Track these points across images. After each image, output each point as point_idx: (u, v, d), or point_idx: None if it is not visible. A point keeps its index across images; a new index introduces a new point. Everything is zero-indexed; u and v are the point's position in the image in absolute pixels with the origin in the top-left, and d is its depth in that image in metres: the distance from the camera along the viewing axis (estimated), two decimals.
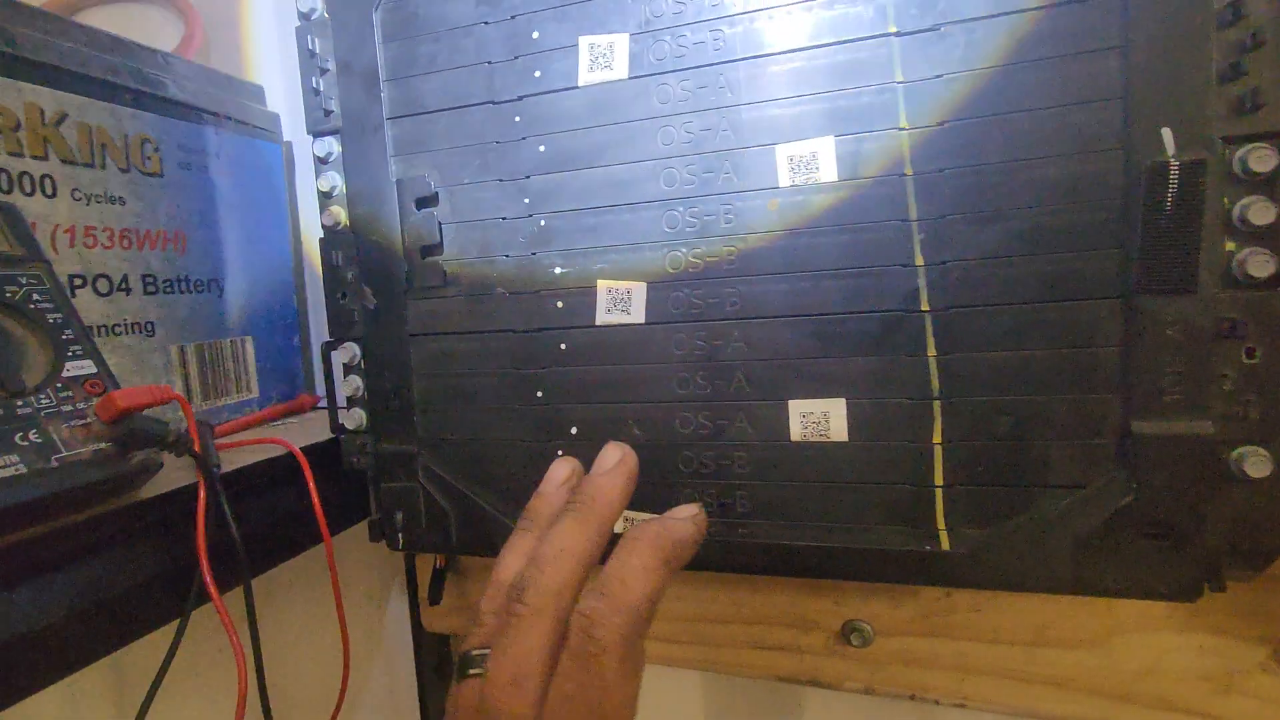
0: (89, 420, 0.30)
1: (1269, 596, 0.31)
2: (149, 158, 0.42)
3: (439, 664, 0.52)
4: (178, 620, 0.32)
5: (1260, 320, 0.24)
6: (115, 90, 0.40)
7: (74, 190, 0.37)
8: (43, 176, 0.36)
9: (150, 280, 0.41)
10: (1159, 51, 0.24)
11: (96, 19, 0.59)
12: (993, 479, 0.27)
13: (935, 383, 0.28)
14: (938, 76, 0.26)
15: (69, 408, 0.30)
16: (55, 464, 0.28)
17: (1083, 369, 0.26)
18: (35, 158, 0.36)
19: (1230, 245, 0.24)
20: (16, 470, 0.27)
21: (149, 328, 0.41)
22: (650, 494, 0.31)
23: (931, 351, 0.28)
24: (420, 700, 0.51)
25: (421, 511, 0.35)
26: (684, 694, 0.49)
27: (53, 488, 0.27)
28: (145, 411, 0.31)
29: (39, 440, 0.28)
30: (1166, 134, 0.24)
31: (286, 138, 0.51)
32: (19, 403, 0.28)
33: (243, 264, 0.48)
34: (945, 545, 0.28)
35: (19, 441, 0.27)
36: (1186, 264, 0.24)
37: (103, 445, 0.30)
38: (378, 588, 0.50)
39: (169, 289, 0.43)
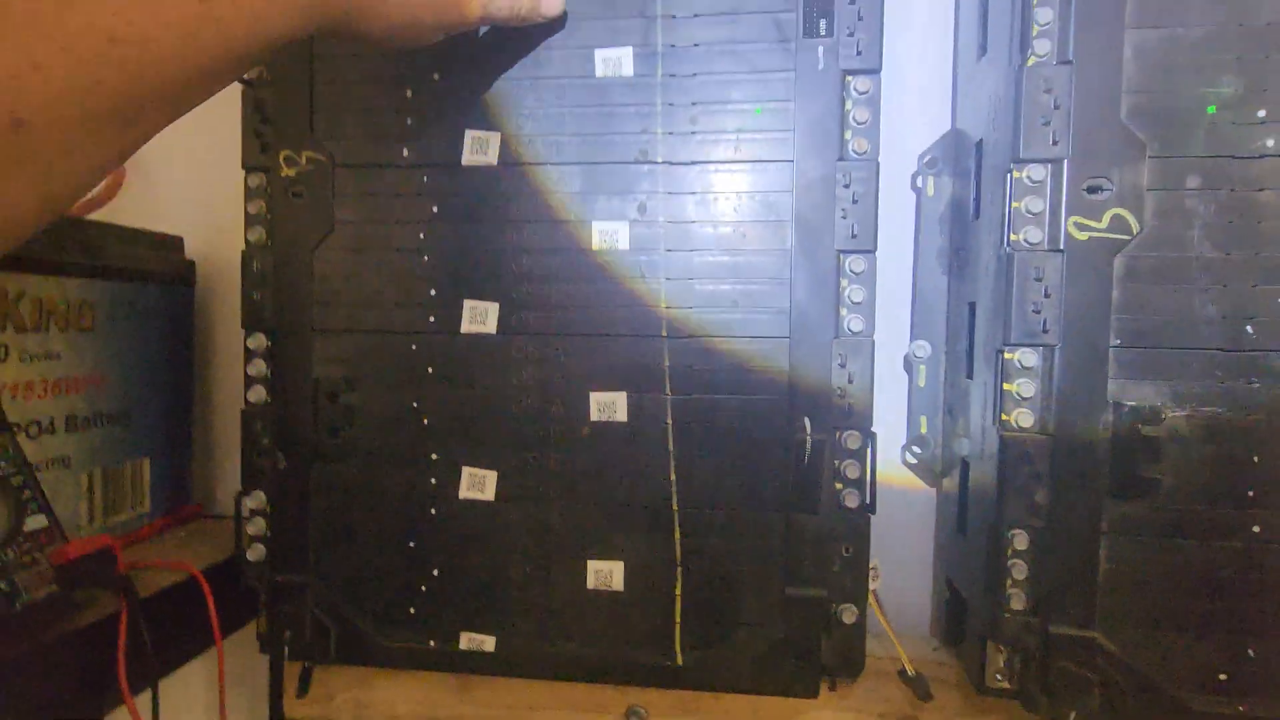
0: (43, 567, 0.38)
1: (881, 690, 0.50)
2: (85, 317, 0.50)
3: None
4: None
5: (855, 532, 0.42)
6: (64, 266, 0.48)
7: (22, 353, 0.45)
8: (1, 345, 0.44)
9: (72, 419, 0.49)
10: (806, 384, 0.42)
11: None
12: (709, 619, 0.43)
13: (679, 554, 0.43)
14: (687, 367, 0.43)
15: (28, 558, 0.38)
16: (18, 608, 0.36)
17: (762, 553, 0.43)
18: None
19: (838, 485, 0.42)
20: None
21: (66, 461, 0.48)
22: (485, 616, 0.44)
23: (677, 535, 0.43)
24: None
25: (307, 629, 0.46)
26: None
27: (16, 625, 0.35)
28: (87, 557, 0.40)
29: (5, 589, 0.36)
30: (806, 422, 0.42)
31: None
32: None
33: (151, 395, 0.56)
34: (680, 661, 0.44)
35: None
36: (813, 498, 0.42)
37: (53, 588, 0.38)
38: (252, 672, 0.58)
39: (87, 425, 0.50)
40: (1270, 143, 0.38)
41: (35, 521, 0.39)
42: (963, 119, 0.51)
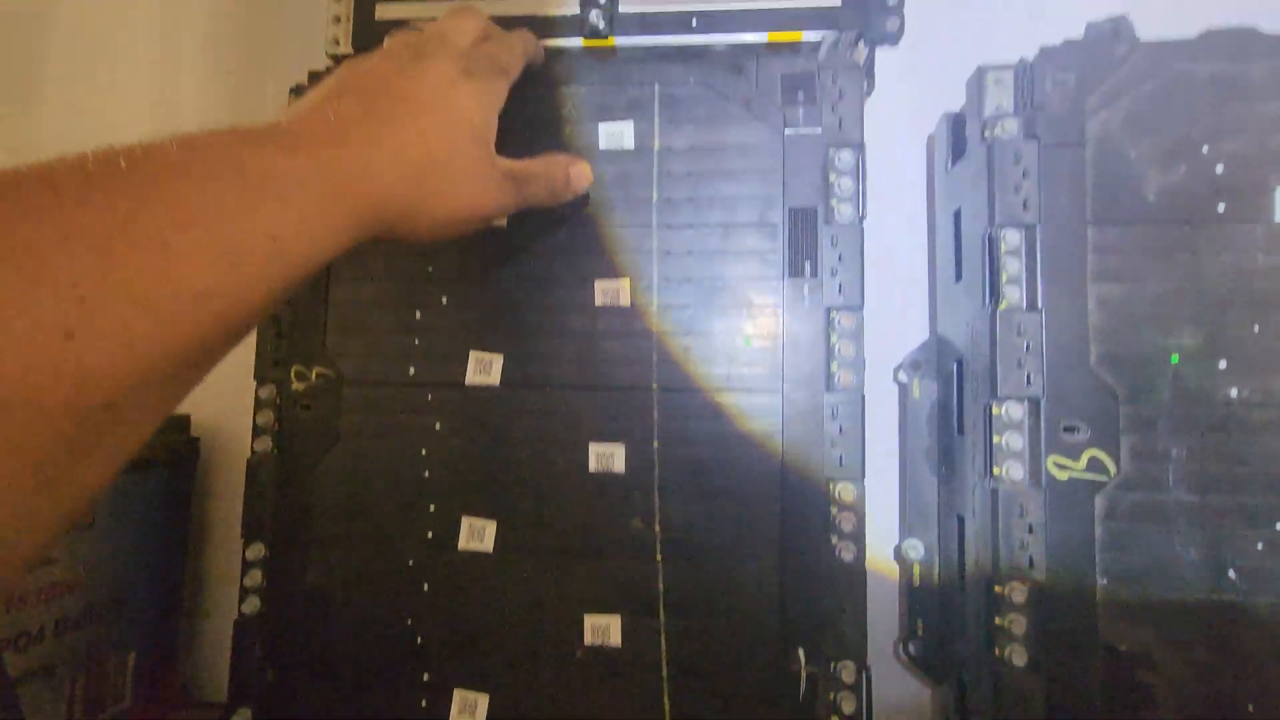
0: None
1: None
2: (87, 515, 0.50)
3: None
4: None
5: None
6: None
7: None
8: None
9: (62, 624, 0.49)
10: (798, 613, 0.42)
11: None
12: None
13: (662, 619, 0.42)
14: (678, 590, 0.43)
15: None
16: None
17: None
18: None
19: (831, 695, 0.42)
20: None
21: (51, 670, 0.48)
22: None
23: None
24: None
25: None
26: None
27: None
28: None
29: None
30: (801, 654, 0.42)
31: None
32: None
33: (143, 584, 0.55)
34: None
35: None
36: None
37: None
38: None
39: (76, 626, 0.50)
40: (1234, 393, 0.40)
41: None
42: (944, 327, 0.54)
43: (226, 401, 0.61)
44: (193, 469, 0.61)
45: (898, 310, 0.57)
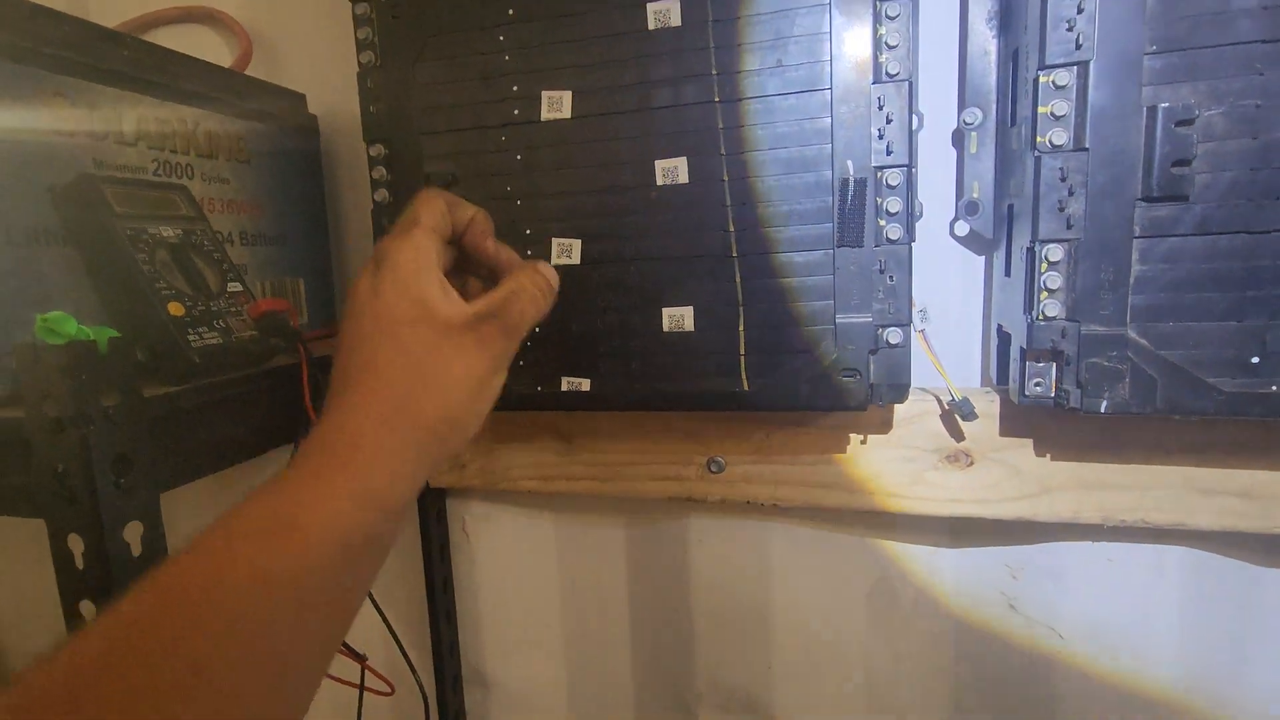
0: (244, 317, 0.50)
1: (931, 427, 0.55)
2: (241, 151, 0.60)
3: (438, 513, 0.73)
4: (291, 443, 0.52)
5: (897, 261, 0.47)
6: (224, 105, 0.58)
7: (202, 174, 0.56)
8: (186, 165, 0.55)
9: (244, 235, 0.61)
10: (846, 122, 0.46)
11: (168, 36, 0.76)
12: (770, 349, 0.50)
13: (740, 296, 0.50)
14: (739, 127, 0.48)
15: (233, 309, 0.49)
16: (234, 339, 0.48)
17: (814, 289, 0.49)
18: (183, 153, 0.55)
19: (881, 222, 0.47)
20: (216, 341, 0.47)
21: (245, 269, 0.61)
22: (580, 363, 0.53)
23: (738, 279, 0.50)
24: (422, 530, 0.72)
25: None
26: (609, 528, 0.71)
27: (236, 351, 0.47)
28: (273, 312, 0.51)
29: (223, 326, 0.48)
30: (849, 164, 0.47)
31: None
32: (211, 303, 0.48)
33: (297, 227, 0.67)
34: (746, 387, 0.51)
35: (215, 325, 0.47)
36: (859, 232, 0.47)
37: (253, 332, 0.50)
38: None
39: (254, 242, 0.62)
40: None
41: (234, 286, 0.51)
42: None
43: (337, 87, 0.69)
44: (315, 138, 0.70)
45: None
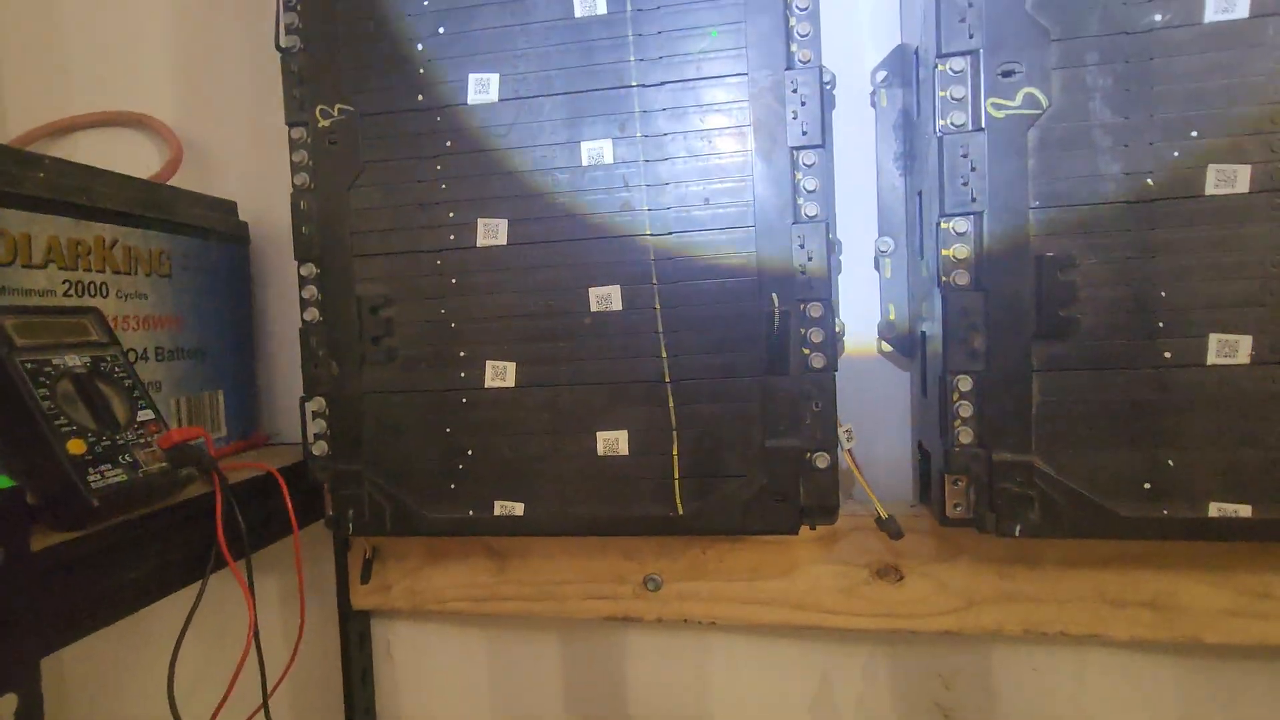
0: (153, 448, 0.47)
1: (862, 541, 0.56)
2: (163, 265, 0.59)
3: (360, 637, 0.69)
4: (200, 581, 0.49)
5: (822, 389, 0.49)
6: (147, 221, 0.57)
7: (118, 291, 0.54)
8: (101, 284, 0.53)
9: (160, 351, 0.58)
10: (770, 258, 0.49)
11: (94, 138, 0.74)
12: (703, 473, 0.51)
13: (674, 421, 0.51)
14: (669, 259, 0.50)
15: (142, 440, 0.47)
16: (141, 475, 0.45)
17: (743, 415, 0.50)
18: (98, 271, 0.52)
19: (805, 351, 0.49)
20: (120, 479, 0.44)
21: (159, 385, 0.58)
22: (513, 487, 0.52)
23: (671, 404, 0.51)
24: (343, 655, 0.68)
25: (366, 509, 0.54)
26: (543, 648, 0.68)
27: (143, 488, 0.44)
28: (186, 443, 0.48)
29: (129, 460, 0.45)
30: (774, 297, 0.49)
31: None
32: (117, 437, 0.45)
33: (220, 336, 0.65)
34: (680, 512, 0.51)
35: (120, 460, 0.44)
36: (782, 361, 0.49)
37: (163, 464, 0.47)
38: (317, 574, 0.67)
39: (172, 357, 0.59)
40: (1157, 17, 0.44)
41: (145, 414, 0.48)
42: (906, 34, 0.58)
43: (268, 193, 0.69)
44: (245, 246, 0.69)
45: (868, 29, 0.60)
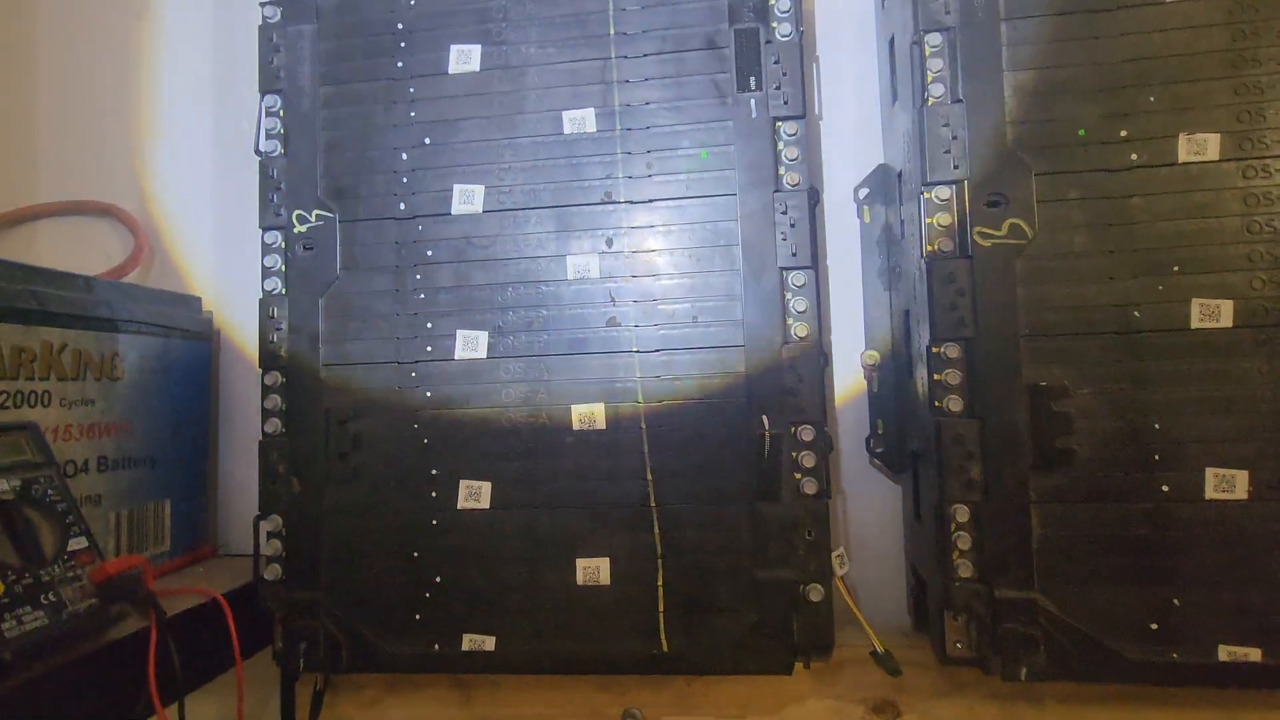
0: (84, 582, 0.42)
1: (857, 675, 0.53)
2: (115, 368, 0.55)
3: None
4: None
5: (815, 517, 0.47)
6: (99, 322, 0.54)
7: (61, 399, 0.50)
8: (44, 392, 0.49)
9: (103, 461, 0.54)
10: (760, 378, 0.48)
11: (54, 229, 0.71)
12: (690, 606, 0.47)
13: (659, 549, 0.48)
14: (656, 378, 0.49)
15: (71, 574, 0.42)
16: (65, 617, 0.40)
17: (732, 543, 0.47)
18: (42, 379, 0.49)
19: (797, 475, 0.47)
20: (39, 623, 0.39)
21: (97, 499, 0.53)
22: (484, 618, 0.48)
23: (656, 530, 0.48)
24: None
25: (320, 642, 0.49)
26: None
27: (64, 634, 0.39)
28: (121, 573, 0.44)
29: (54, 600, 0.40)
30: (764, 419, 0.47)
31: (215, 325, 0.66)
32: (41, 572, 0.40)
33: (173, 441, 0.60)
34: (665, 648, 0.47)
35: (42, 601, 0.40)
36: (773, 487, 0.47)
37: (93, 600, 0.42)
38: (262, 704, 0.61)
39: (115, 467, 0.55)
40: (1134, 157, 0.45)
41: (77, 543, 0.43)
42: (888, 155, 0.59)
43: (238, 290, 0.66)
44: (208, 344, 0.66)
45: (852, 147, 0.61)
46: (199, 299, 0.66)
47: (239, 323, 0.68)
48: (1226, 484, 0.43)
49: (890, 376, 0.58)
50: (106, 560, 0.43)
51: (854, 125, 0.62)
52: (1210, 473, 0.43)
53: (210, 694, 0.63)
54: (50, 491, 0.44)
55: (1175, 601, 0.43)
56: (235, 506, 0.68)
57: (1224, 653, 0.43)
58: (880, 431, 0.58)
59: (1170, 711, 0.50)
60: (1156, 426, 0.44)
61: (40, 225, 0.71)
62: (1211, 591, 0.43)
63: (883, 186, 0.59)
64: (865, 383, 0.59)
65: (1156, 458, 0.44)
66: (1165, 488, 0.44)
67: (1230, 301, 0.44)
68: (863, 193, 0.60)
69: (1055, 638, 0.44)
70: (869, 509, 0.60)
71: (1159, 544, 0.44)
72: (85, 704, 0.42)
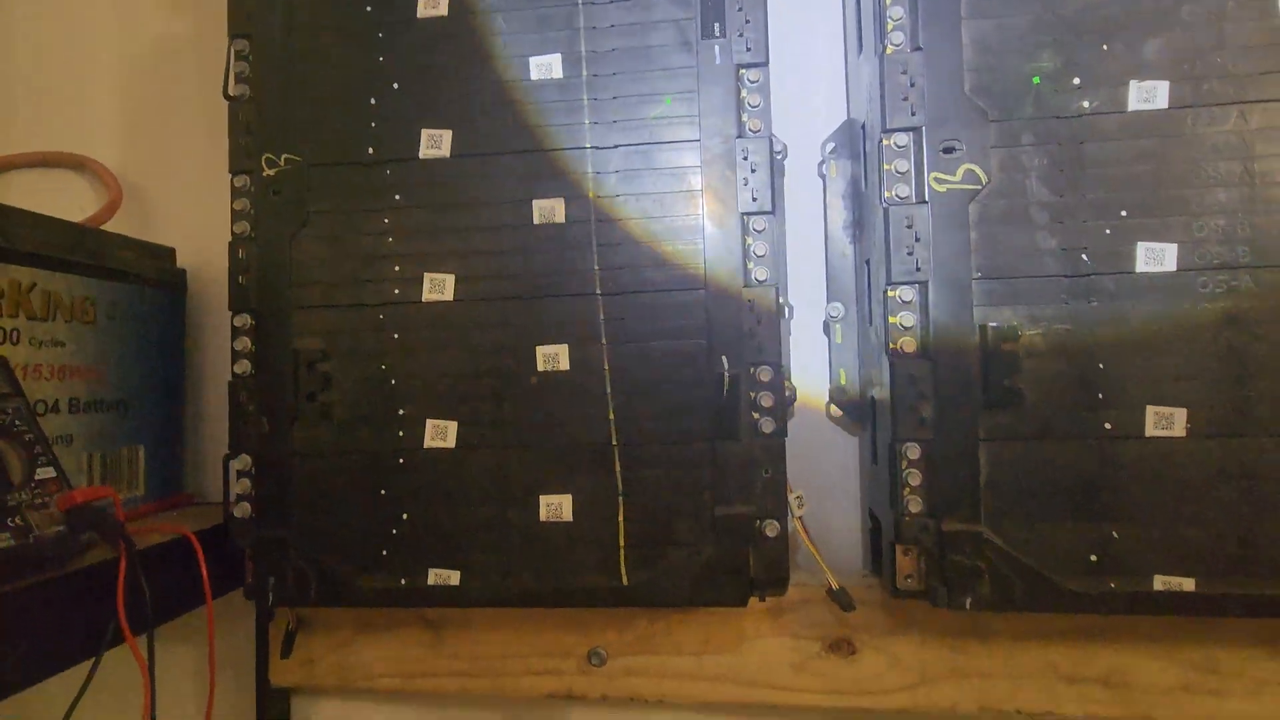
0: (51, 509, 0.43)
1: (814, 613, 0.55)
2: (87, 312, 0.56)
3: (278, 718, 0.63)
4: (93, 659, 0.44)
5: (772, 455, 0.48)
6: (71, 265, 0.54)
7: (31, 338, 0.51)
8: (12, 330, 0.49)
9: (75, 403, 0.54)
10: (720, 321, 0.49)
11: (27, 180, 0.71)
12: (649, 542, 0.49)
13: (620, 485, 0.49)
14: (620, 319, 0.50)
15: (39, 500, 0.43)
16: (32, 540, 0.41)
17: (692, 481, 0.49)
18: (10, 316, 0.49)
19: (755, 415, 0.48)
20: (8, 543, 0.40)
21: (69, 439, 0.54)
22: (450, 554, 0.49)
23: (618, 468, 0.49)
24: None
25: (290, 577, 0.51)
26: None
27: (30, 556, 0.40)
28: (88, 503, 0.45)
29: (21, 524, 0.41)
30: (724, 360, 0.49)
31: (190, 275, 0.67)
32: (8, 497, 0.41)
33: (146, 389, 0.61)
34: (625, 582, 0.49)
35: (9, 524, 0.40)
36: (732, 426, 0.48)
37: (60, 527, 0.43)
38: (235, 647, 0.62)
39: (88, 409, 0.55)
40: (1085, 104, 0.46)
41: (44, 472, 0.44)
42: (854, 109, 0.60)
43: (210, 242, 0.67)
44: (181, 295, 0.66)
45: (821, 102, 0.62)
46: (172, 249, 0.66)
47: (213, 274, 0.68)
48: (1166, 422, 0.45)
49: (852, 329, 0.59)
50: (75, 489, 0.44)
51: (827, 85, 0.63)
52: (1150, 410, 0.45)
53: (183, 640, 0.64)
54: (18, 421, 0.45)
55: (1114, 535, 0.45)
56: (212, 457, 0.69)
57: (1159, 582, 0.44)
58: (842, 383, 0.60)
59: (1115, 648, 0.52)
60: (1101, 366, 0.45)
61: (12, 176, 0.71)
62: (1149, 526, 0.45)
63: (848, 141, 0.60)
64: (826, 336, 0.61)
65: (1100, 396, 0.45)
66: (1108, 425, 0.45)
67: (1174, 245, 0.45)
68: (829, 147, 0.61)
69: (999, 569, 0.46)
70: (828, 459, 0.61)
71: (1100, 480, 0.45)
72: (54, 629, 0.43)
